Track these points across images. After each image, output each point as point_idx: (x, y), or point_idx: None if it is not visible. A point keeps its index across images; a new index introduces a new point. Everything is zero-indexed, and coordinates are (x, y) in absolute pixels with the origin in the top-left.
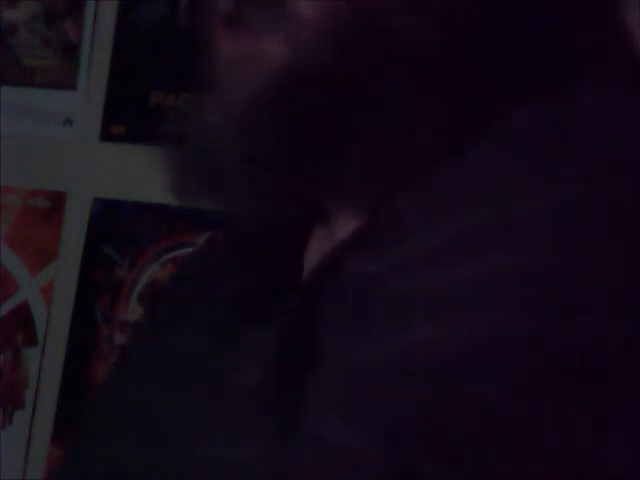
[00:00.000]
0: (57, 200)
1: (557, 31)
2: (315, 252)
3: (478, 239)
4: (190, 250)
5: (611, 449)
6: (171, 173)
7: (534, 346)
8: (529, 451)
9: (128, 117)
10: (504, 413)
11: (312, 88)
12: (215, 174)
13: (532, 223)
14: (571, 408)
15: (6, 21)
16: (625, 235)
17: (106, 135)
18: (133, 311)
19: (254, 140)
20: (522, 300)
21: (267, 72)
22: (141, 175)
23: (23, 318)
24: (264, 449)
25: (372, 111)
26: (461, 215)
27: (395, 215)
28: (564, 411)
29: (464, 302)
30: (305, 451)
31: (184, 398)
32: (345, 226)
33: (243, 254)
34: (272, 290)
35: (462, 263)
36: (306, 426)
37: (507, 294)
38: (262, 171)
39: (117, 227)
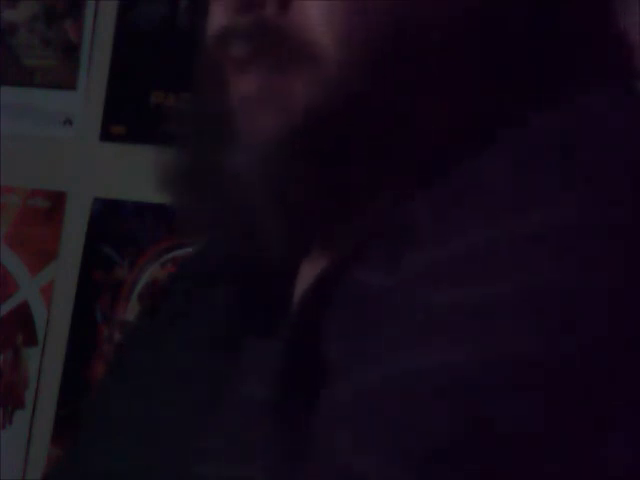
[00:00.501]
0: (57, 200)
1: (557, 31)
2: (315, 262)
3: (487, 254)
4: (190, 250)
5: (611, 449)
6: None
7: (538, 360)
8: (530, 452)
9: (128, 117)
10: (512, 428)
11: (340, 121)
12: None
13: (535, 234)
14: (571, 409)
15: (6, 21)
16: (625, 237)
17: (106, 135)
18: (133, 311)
19: (283, 179)
20: (529, 315)
21: (291, 110)
22: (141, 175)
23: (23, 318)
24: (270, 465)
25: (396, 130)
26: (471, 228)
27: (407, 219)
28: (564, 413)
29: (472, 319)
30: (315, 470)
31: (183, 405)
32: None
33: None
34: (272, 296)
35: (472, 280)
36: (316, 444)
37: (513, 310)
38: (294, 209)
39: (117, 227)
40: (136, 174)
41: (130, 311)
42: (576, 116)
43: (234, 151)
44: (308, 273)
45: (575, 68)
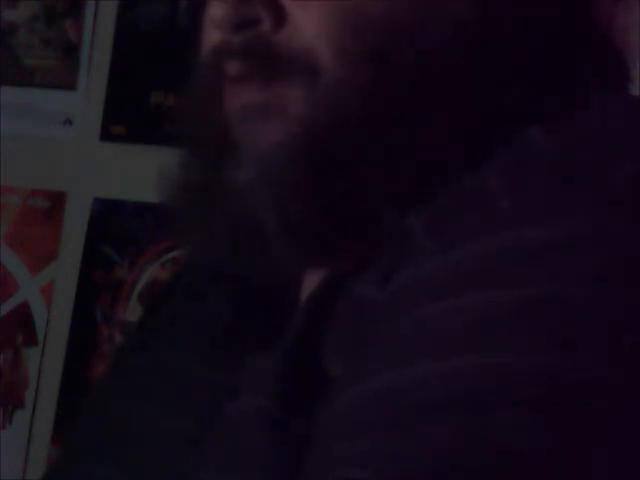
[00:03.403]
0: (57, 200)
1: (557, 31)
2: (316, 274)
3: (486, 269)
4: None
5: (611, 465)
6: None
7: (538, 380)
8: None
9: (128, 117)
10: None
11: (340, 131)
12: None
13: (534, 246)
14: (572, 424)
15: (6, 21)
16: (624, 244)
17: (106, 135)
18: (133, 311)
19: (285, 190)
20: (529, 328)
21: (291, 120)
22: (141, 175)
23: (23, 318)
24: (269, 476)
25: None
26: (468, 241)
27: (403, 233)
28: (565, 428)
29: (468, 336)
30: None
31: (182, 408)
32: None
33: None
34: (273, 298)
35: (468, 295)
36: (315, 455)
37: (512, 326)
38: (296, 221)
39: (117, 227)
40: (136, 174)
41: (130, 311)
42: (576, 116)
43: (234, 163)
44: (310, 285)
45: (575, 68)
